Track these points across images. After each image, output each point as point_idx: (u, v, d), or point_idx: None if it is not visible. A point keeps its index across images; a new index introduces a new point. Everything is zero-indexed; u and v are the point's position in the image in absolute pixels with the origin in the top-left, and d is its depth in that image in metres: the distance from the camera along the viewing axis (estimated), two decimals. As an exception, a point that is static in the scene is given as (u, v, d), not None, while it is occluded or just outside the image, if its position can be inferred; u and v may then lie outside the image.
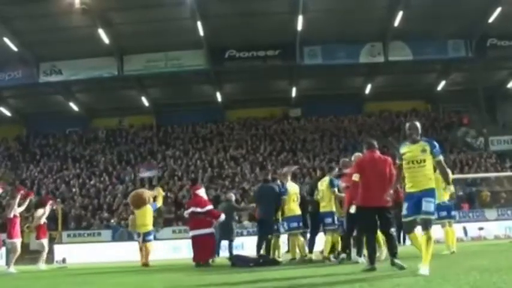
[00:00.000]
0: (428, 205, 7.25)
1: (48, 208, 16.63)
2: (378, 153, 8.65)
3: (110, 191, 30.34)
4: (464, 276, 6.06)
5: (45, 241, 16.73)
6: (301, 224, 12.76)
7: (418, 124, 7.73)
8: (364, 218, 8.40)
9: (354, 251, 10.71)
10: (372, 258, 8.04)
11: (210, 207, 13.45)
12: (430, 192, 7.35)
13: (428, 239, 7.13)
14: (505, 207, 27.17)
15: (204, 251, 13.11)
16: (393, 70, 34.14)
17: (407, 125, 7.84)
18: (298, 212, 12.72)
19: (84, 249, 24.65)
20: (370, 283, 6.22)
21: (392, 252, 8.07)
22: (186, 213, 14.03)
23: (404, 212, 7.52)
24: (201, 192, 13.71)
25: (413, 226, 7.69)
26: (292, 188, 12.91)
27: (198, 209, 13.29)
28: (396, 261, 7.89)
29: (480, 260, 9.00)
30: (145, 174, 31.81)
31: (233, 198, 17.94)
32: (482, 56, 31.89)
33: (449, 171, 7.77)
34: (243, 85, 36.63)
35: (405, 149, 7.65)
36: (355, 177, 8.48)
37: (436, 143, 7.61)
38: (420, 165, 7.44)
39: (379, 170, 8.36)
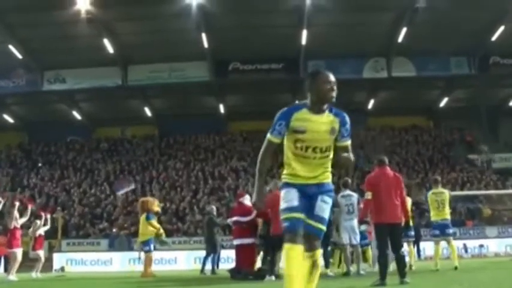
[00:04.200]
0: (323, 207, 4.42)
1: (44, 221, 16.85)
2: (388, 169, 8.55)
3: (111, 201, 30.28)
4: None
5: (41, 252, 16.96)
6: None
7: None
8: (378, 235, 8.37)
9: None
10: (383, 274, 7.88)
11: (252, 216, 12.68)
12: (329, 187, 4.54)
13: (314, 264, 4.36)
14: (506, 225, 27.08)
15: (245, 261, 12.88)
16: (396, 86, 34.13)
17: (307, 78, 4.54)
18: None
19: (83, 258, 24.64)
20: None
21: (402, 273, 7.93)
22: (229, 221, 13.68)
23: (287, 205, 4.42)
24: (246, 199, 13.15)
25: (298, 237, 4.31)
26: None
27: (242, 219, 12.84)
28: (405, 280, 7.79)
29: (480, 276, 8.95)
30: (121, 192, 29.74)
31: (214, 211, 17.88)
32: (484, 73, 31.93)
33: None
34: (246, 97, 36.65)
35: (301, 118, 4.39)
36: (368, 195, 8.34)
37: (347, 118, 4.52)
38: (323, 156, 4.44)
39: (392, 186, 8.26)
